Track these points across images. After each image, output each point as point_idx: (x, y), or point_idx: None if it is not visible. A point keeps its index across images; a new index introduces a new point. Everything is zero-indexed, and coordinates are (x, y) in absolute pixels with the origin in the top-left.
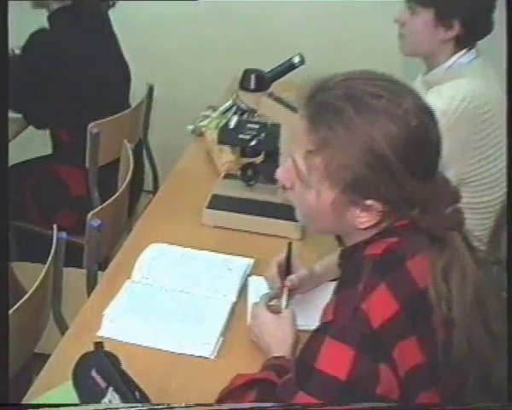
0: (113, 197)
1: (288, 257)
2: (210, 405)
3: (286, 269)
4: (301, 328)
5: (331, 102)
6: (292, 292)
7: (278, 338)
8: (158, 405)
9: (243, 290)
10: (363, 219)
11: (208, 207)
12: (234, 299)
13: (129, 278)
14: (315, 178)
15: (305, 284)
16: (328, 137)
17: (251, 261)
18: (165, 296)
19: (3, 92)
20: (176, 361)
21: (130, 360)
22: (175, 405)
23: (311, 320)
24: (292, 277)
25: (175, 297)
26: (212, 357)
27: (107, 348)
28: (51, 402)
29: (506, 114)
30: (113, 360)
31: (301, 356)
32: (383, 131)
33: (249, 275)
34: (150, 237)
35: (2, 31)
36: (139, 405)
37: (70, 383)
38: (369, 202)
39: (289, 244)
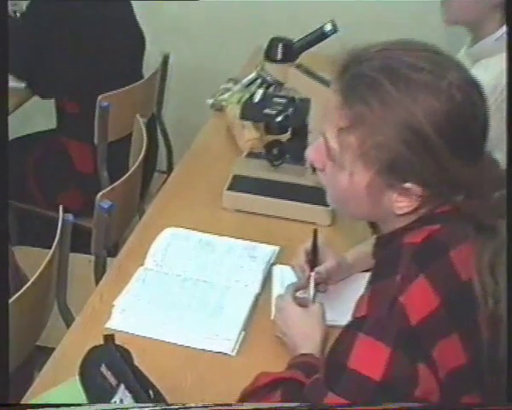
0: (125, 177)
1: (315, 245)
2: (229, 405)
3: (313, 259)
4: (330, 323)
5: (367, 75)
6: (320, 284)
7: (306, 334)
8: (172, 405)
9: (267, 281)
10: (401, 203)
11: (229, 188)
12: (257, 290)
13: (141, 265)
14: (348, 158)
15: (334, 274)
16: (363, 112)
17: (275, 249)
18: (182, 286)
19: (3, 55)
20: (192, 357)
21: (142, 355)
22: (191, 405)
23: (341, 315)
24: (320, 268)
25: (192, 287)
26: (233, 354)
27: (117, 341)
28: (55, 400)
29: (506, 114)
30: (124, 354)
31: (331, 354)
32: (424, 106)
33: (273, 264)
34: (165, 221)
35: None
36: (151, 405)
37: (77, 379)
38: (407, 185)
39: (315, 231)
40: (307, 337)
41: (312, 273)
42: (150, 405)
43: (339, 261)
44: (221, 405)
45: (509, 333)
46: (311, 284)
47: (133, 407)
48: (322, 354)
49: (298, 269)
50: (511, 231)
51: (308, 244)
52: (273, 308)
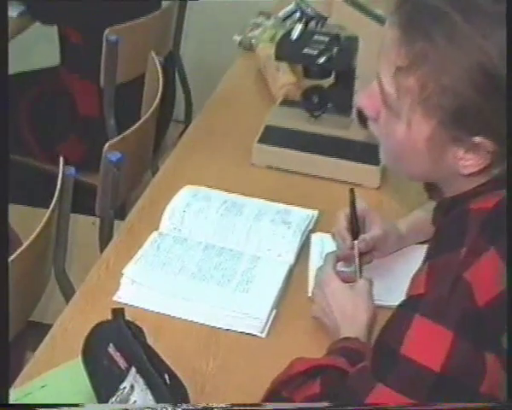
0: (137, 125)
1: (353, 209)
2: (258, 406)
3: (353, 225)
4: (378, 303)
5: (432, 5)
6: (365, 255)
7: (350, 315)
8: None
9: (303, 251)
10: (469, 162)
11: (260, 141)
12: (291, 261)
13: (155, 229)
14: (406, 105)
15: (381, 245)
16: (426, 49)
17: (314, 214)
18: (203, 254)
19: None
20: (215, 338)
21: (156, 334)
22: (213, 405)
23: (391, 294)
24: (365, 236)
25: (215, 256)
26: (263, 335)
27: (127, 317)
28: (53, 386)
29: (506, 114)
30: (136, 332)
31: (381, 339)
32: (500, 44)
33: (311, 231)
34: (183, 179)
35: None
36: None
37: (79, 361)
38: (476, 139)
39: (351, 192)
40: (352, 319)
41: (356, 242)
42: (166, 405)
43: (388, 230)
44: (247, 405)
45: (509, 333)
46: (356, 255)
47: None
48: (369, 339)
49: (338, 237)
50: (511, 231)
51: (345, 212)
52: (311, 283)
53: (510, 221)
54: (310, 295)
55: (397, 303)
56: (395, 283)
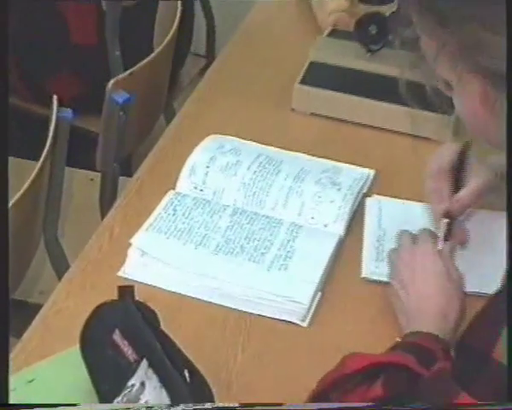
0: (148, 58)
1: (462, 161)
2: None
3: (456, 180)
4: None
5: None
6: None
7: (439, 304)
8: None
9: (356, 219)
10: None
11: (302, 82)
12: (340, 232)
13: (172, 188)
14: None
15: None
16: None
17: (369, 173)
18: (231, 221)
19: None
20: (243, 325)
21: (172, 319)
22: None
23: (481, 279)
24: (461, 194)
25: (246, 224)
26: (304, 324)
27: (137, 297)
28: (43, 380)
29: (506, 114)
30: (148, 316)
31: (469, 338)
32: None
33: (366, 195)
34: (206, 126)
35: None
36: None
37: (76, 350)
38: None
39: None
40: (441, 310)
41: (453, 202)
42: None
43: (488, 179)
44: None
45: (509, 333)
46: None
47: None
48: (454, 336)
49: (434, 192)
50: (511, 231)
51: (447, 155)
52: (365, 260)
53: (510, 220)
54: (364, 275)
55: (489, 291)
56: (486, 266)
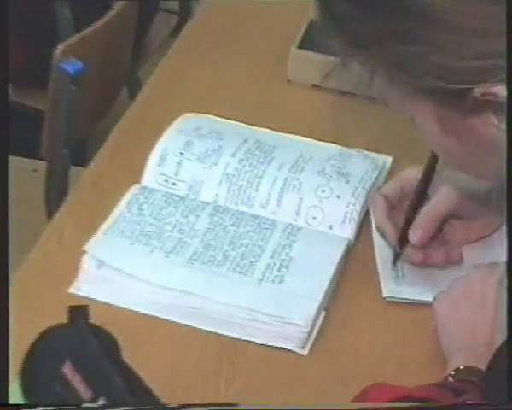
0: (104, 18)
1: (426, 177)
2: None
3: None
4: None
5: None
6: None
7: (491, 335)
8: None
9: (368, 219)
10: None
11: (301, 46)
12: (350, 235)
13: (137, 182)
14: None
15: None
16: None
17: (386, 160)
18: (212, 222)
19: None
20: (228, 354)
21: (138, 348)
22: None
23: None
24: (417, 222)
25: (230, 225)
26: (304, 352)
27: (93, 318)
28: None
29: (506, 114)
30: (107, 344)
31: (496, 363)
32: None
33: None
34: (180, 102)
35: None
36: None
37: (14, 387)
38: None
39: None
40: (488, 340)
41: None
42: None
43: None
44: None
45: (509, 332)
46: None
47: None
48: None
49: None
50: (511, 232)
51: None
52: (381, 272)
53: (510, 221)
54: (386, 295)
55: None
56: None
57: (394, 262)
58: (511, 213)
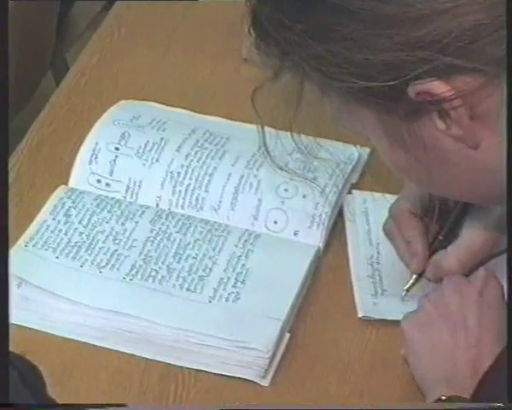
0: None
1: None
2: None
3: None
4: None
5: None
6: None
7: (472, 359)
8: None
9: (341, 223)
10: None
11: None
12: (318, 242)
13: (64, 183)
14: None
15: None
16: None
17: (361, 152)
18: (153, 230)
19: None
20: (174, 384)
21: (64, 379)
22: None
23: None
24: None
25: (176, 232)
26: (266, 383)
27: (13, 346)
28: None
29: (506, 115)
30: (30, 376)
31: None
32: None
33: (354, 186)
34: (113, 87)
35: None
36: None
37: None
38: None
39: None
40: (476, 364)
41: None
42: None
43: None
44: None
45: (509, 332)
46: None
47: None
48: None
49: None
50: (511, 233)
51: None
52: (356, 285)
53: (510, 221)
54: (362, 314)
55: None
56: None
57: (408, 290)
58: (511, 213)
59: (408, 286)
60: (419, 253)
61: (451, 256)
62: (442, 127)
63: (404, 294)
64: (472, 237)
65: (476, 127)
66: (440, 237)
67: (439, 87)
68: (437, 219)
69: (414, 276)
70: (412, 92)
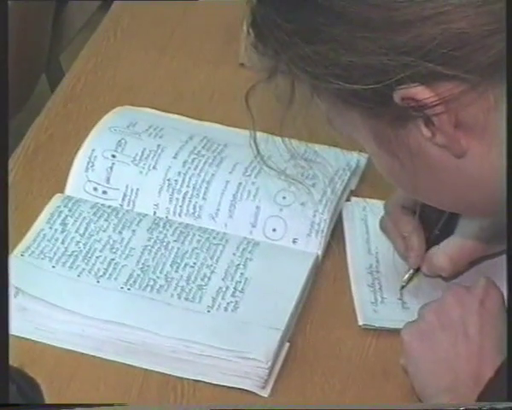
0: None
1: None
2: None
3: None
4: None
5: None
6: None
7: (472, 369)
8: None
9: (339, 230)
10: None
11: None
12: (317, 250)
13: (60, 191)
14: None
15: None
16: None
17: (360, 159)
18: (150, 238)
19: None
20: (173, 394)
21: (63, 392)
22: None
23: None
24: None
25: (173, 241)
26: (265, 393)
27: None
28: None
29: (506, 115)
30: (29, 390)
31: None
32: None
33: (353, 193)
34: (109, 93)
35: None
36: None
37: None
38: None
39: None
40: (477, 375)
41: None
42: None
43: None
44: None
45: (509, 332)
46: None
47: None
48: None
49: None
50: (511, 233)
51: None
52: (356, 292)
53: (510, 221)
54: (362, 322)
55: None
56: None
57: (403, 287)
58: (511, 214)
59: (405, 279)
60: (416, 247)
61: (442, 253)
62: (428, 135)
63: (401, 287)
64: (464, 235)
65: (461, 136)
66: (437, 232)
67: (422, 93)
68: (432, 214)
69: (411, 270)
70: (397, 97)
